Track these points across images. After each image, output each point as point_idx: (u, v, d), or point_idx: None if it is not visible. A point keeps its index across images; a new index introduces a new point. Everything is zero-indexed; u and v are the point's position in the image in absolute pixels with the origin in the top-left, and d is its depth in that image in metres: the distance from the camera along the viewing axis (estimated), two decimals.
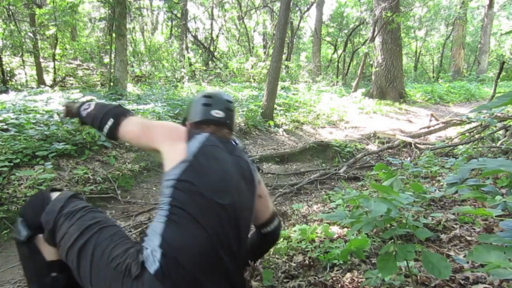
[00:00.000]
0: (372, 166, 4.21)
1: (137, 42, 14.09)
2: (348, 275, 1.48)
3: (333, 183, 3.78)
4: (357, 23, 15.47)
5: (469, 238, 1.68)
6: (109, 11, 7.69)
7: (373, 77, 10.87)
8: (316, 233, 1.93)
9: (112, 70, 7.36)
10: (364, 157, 4.67)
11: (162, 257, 1.01)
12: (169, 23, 15.80)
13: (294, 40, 16.18)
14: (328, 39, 17.51)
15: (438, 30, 20.00)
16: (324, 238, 1.88)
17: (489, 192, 1.29)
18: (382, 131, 6.29)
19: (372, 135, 6.17)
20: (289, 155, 4.91)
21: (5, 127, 3.56)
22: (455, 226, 1.85)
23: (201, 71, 13.19)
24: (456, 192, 1.48)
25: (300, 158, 4.95)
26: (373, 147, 5.52)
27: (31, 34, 9.44)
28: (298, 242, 1.86)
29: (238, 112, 6.15)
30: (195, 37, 15.63)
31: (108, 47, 8.55)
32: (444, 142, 4.75)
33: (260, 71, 12.03)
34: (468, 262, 1.41)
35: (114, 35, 7.17)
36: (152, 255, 1.02)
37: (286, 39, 8.37)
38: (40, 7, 9.33)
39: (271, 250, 1.80)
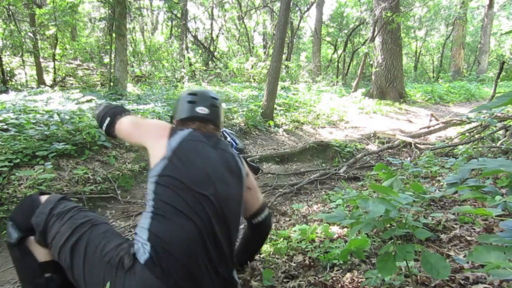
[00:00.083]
0: (372, 166, 4.20)
1: (137, 42, 14.09)
2: (348, 275, 1.48)
3: (333, 183, 3.78)
4: (357, 23, 15.47)
5: (469, 238, 1.68)
6: (109, 11, 7.69)
7: (373, 77, 10.87)
8: (316, 233, 1.93)
9: (112, 70, 7.36)
10: (364, 157, 4.67)
11: (152, 249, 1.06)
12: (169, 23, 15.80)
13: (294, 40, 16.18)
14: (328, 39, 17.51)
15: (438, 30, 20.00)
16: (324, 238, 1.88)
17: (489, 192, 1.29)
18: (382, 131, 6.29)
19: (372, 135, 6.17)
20: (289, 155, 4.91)
21: (5, 127, 3.56)
22: (455, 226, 1.84)
23: (201, 71, 13.19)
24: (456, 192, 1.48)
25: (300, 158, 4.95)
26: (373, 147, 5.52)
27: (31, 34, 9.44)
28: (298, 242, 1.86)
29: (238, 112, 6.15)
30: (195, 37, 15.63)
31: (108, 47, 8.55)
32: (444, 142, 4.75)
33: (260, 71, 12.04)
34: (468, 262, 1.41)
35: (114, 35, 7.17)
36: (143, 247, 1.07)
37: (286, 39, 8.37)
38: (40, 7, 9.34)
39: (271, 250, 1.81)
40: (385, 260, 1.05)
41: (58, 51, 10.35)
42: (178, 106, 1.42)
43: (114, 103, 5.60)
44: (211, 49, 15.31)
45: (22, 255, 1.22)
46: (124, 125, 1.38)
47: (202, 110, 1.37)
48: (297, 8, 14.97)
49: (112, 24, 7.10)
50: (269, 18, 16.14)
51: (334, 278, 1.47)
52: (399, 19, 9.44)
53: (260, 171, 3.33)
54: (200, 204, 1.13)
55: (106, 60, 10.04)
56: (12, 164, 2.99)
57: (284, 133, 6.20)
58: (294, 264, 1.65)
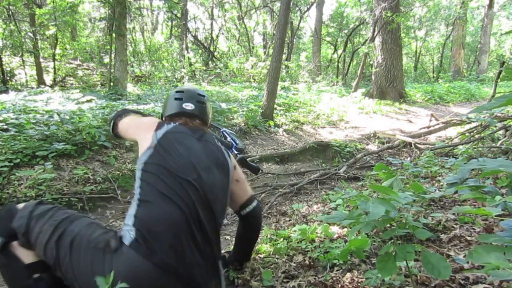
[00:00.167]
0: (372, 166, 4.20)
1: (137, 42, 14.10)
2: (348, 275, 1.48)
3: (333, 183, 3.78)
4: (357, 23, 15.47)
5: (469, 238, 1.67)
6: (109, 11, 7.70)
7: (373, 77, 10.87)
8: (316, 233, 1.93)
9: (112, 70, 7.36)
10: (364, 157, 4.67)
11: (137, 232, 1.11)
12: (169, 23, 15.81)
13: (294, 40, 16.19)
14: (328, 39, 17.52)
15: (438, 30, 20.00)
16: (324, 238, 1.88)
17: (489, 192, 1.29)
18: (382, 131, 6.29)
19: (372, 135, 6.17)
20: (289, 155, 4.91)
21: (5, 127, 3.57)
22: (455, 226, 1.84)
23: (201, 71, 13.20)
24: (456, 192, 1.48)
25: (300, 158, 4.95)
26: (373, 147, 5.52)
27: (31, 34, 9.44)
28: (298, 242, 1.86)
29: (238, 112, 6.15)
30: (195, 37, 15.63)
31: (108, 47, 8.55)
32: (444, 142, 4.75)
33: (260, 71, 12.04)
34: (468, 262, 1.41)
35: (114, 35, 7.18)
36: (129, 232, 1.12)
37: (286, 39, 8.37)
38: (40, 7, 9.34)
39: (271, 250, 1.81)
40: (385, 260, 1.05)
41: (58, 51, 10.35)
42: (167, 104, 1.51)
43: (114, 103, 5.62)
44: (211, 49, 15.31)
45: (8, 260, 1.21)
46: (123, 124, 1.52)
47: (188, 106, 1.45)
48: (297, 8, 14.97)
49: (112, 24, 7.11)
50: (269, 18, 16.14)
51: (334, 278, 1.47)
52: (399, 19, 9.44)
53: (260, 171, 3.33)
54: (184, 189, 1.19)
55: (106, 60, 10.04)
56: (12, 164, 2.99)
57: (284, 133, 6.20)
58: (294, 264, 1.65)
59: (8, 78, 9.09)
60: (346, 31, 15.90)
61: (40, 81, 9.42)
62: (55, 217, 1.19)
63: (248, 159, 2.10)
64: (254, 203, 1.50)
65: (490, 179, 2.19)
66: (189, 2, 14.96)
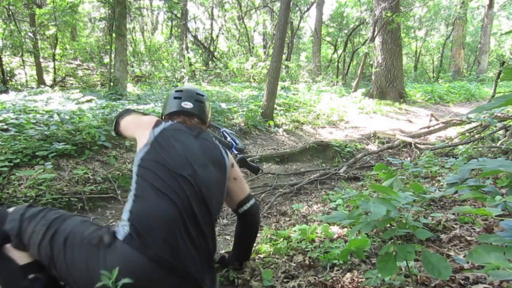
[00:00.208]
0: (372, 166, 4.20)
1: (137, 42, 14.10)
2: (348, 275, 1.48)
3: (333, 183, 3.77)
4: (357, 23, 15.47)
5: (469, 238, 1.67)
6: (109, 11, 7.70)
7: (373, 77, 10.87)
8: (316, 233, 1.93)
9: (112, 70, 7.36)
10: (364, 157, 4.67)
11: (131, 227, 1.13)
12: (169, 23, 15.80)
13: (294, 40, 16.18)
14: (328, 39, 17.52)
15: (438, 30, 19.99)
16: (324, 238, 1.88)
17: (489, 192, 1.29)
18: (382, 131, 6.29)
19: (372, 135, 6.17)
20: (289, 155, 4.91)
21: (5, 127, 3.56)
22: (455, 226, 1.84)
23: (201, 71, 13.20)
24: (456, 192, 1.48)
25: (300, 158, 4.95)
26: (373, 147, 5.52)
27: (31, 34, 9.44)
28: (298, 242, 1.86)
29: (238, 112, 6.15)
30: (195, 37, 15.63)
31: (108, 47, 8.55)
32: (444, 142, 4.75)
33: (260, 71, 12.04)
34: (468, 262, 1.41)
35: (114, 35, 7.17)
36: (123, 228, 1.15)
37: (286, 39, 8.36)
38: (40, 7, 9.34)
39: (271, 250, 1.81)
40: (386, 260, 1.05)
41: (58, 51, 10.35)
42: (166, 103, 1.55)
43: (114, 103, 5.62)
44: (211, 49, 15.31)
45: (2, 262, 1.21)
46: (124, 122, 1.56)
47: (186, 104, 1.48)
48: (297, 8, 14.97)
49: (112, 24, 7.11)
50: (269, 18, 16.14)
51: (334, 278, 1.47)
52: (399, 19, 9.44)
53: (260, 171, 3.33)
54: (179, 184, 1.22)
55: (106, 60, 10.04)
56: (12, 164, 2.99)
57: (284, 133, 6.20)
58: (294, 264, 1.65)
59: (8, 78, 9.09)
60: (346, 31, 15.90)
61: (40, 81, 9.42)
62: (47, 217, 1.20)
63: (248, 159, 2.10)
64: (252, 202, 1.51)
65: (490, 179, 2.19)
66: (189, 2, 14.96)
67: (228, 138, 1.89)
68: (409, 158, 4.48)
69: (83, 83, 10.26)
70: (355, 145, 5.38)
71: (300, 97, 8.86)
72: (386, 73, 10.31)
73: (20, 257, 1.20)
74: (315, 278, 1.50)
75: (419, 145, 4.80)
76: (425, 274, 1.36)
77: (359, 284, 1.40)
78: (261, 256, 1.78)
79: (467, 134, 4.71)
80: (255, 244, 1.91)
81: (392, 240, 1.15)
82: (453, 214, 1.95)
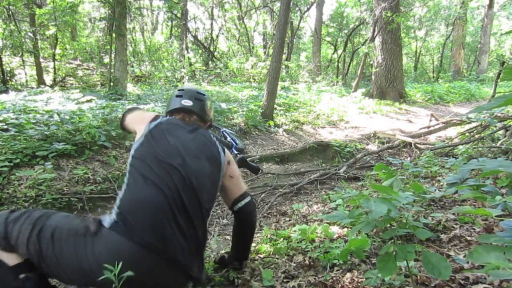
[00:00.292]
0: (372, 166, 4.20)
1: (137, 42, 14.10)
2: (348, 275, 1.48)
3: (333, 183, 3.77)
4: (357, 23, 15.46)
5: (469, 238, 1.67)
6: (109, 11, 7.70)
7: (373, 77, 10.87)
8: (316, 233, 1.93)
9: (112, 70, 7.36)
10: (364, 157, 4.67)
11: (118, 215, 1.18)
12: (169, 23, 15.80)
13: (294, 40, 16.18)
14: (328, 39, 17.51)
15: (438, 30, 19.99)
16: (324, 238, 1.88)
17: (489, 192, 1.29)
18: (382, 131, 6.29)
19: (372, 135, 6.17)
20: (289, 155, 4.91)
21: (5, 127, 3.56)
22: (455, 226, 1.84)
23: (201, 71, 13.20)
24: (456, 192, 1.48)
25: (300, 158, 4.95)
26: (373, 147, 5.52)
27: (31, 34, 9.44)
28: (298, 242, 1.86)
29: (238, 112, 6.16)
30: (195, 37, 15.63)
31: (108, 47, 8.55)
32: (444, 142, 4.75)
33: (260, 71, 12.04)
34: (468, 262, 1.41)
35: (114, 35, 7.17)
36: (110, 216, 1.19)
37: (286, 39, 8.36)
38: (40, 7, 9.33)
39: (271, 250, 1.81)
40: (386, 260, 1.05)
41: (58, 51, 10.35)
42: (169, 101, 1.62)
43: (114, 103, 5.62)
44: (211, 49, 15.31)
45: None
46: (129, 117, 1.63)
47: (186, 102, 1.54)
48: (297, 8, 14.97)
49: (112, 24, 7.11)
50: (269, 18, 16.14)
51: (334, 278, 1.47)
52: (399, 19, 9.44)
53: (260, 171, 3.33)
54: (167, 172, 1.26)
55: (106, 60, 10.04)
56: (12, 164, 2.99)
57: (284, 133, 6.20)
58: (294, 264, 1.65)
59: (8, 78, 9.09)
60: (346, 31, 15.90)
61: (40, 81, 9.42)
62: (31, 217, 1.23)
63: (248, 159, 2.11)
64: (247, 199, 1.53)
65: (490, 179, 2.19)
66: (189, 2, 14.96)
67: (228, 138, 1.90)
68: (409, 158, 4.48)
69: (83, 83, 10.26)
70: (355, 145, 5.38)
71: (300, 97, 8.86)
72: (386, 73, 10.31)
73: (10, 259, 1.21)
74: (315, 278, 1.50)
75: (419, 145, 4.80)
76: (425, 274, 1.36)
77: (359, 284, 1.40)
78: (261, 256, 1.78)
79: (467, 134, 4.71)
80: (254, 244, 1.92)
81: (392, 240, 1.15)
82: (453, 214, 1.95)
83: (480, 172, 2.12)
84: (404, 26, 14.40)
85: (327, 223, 2.06)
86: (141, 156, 1.31)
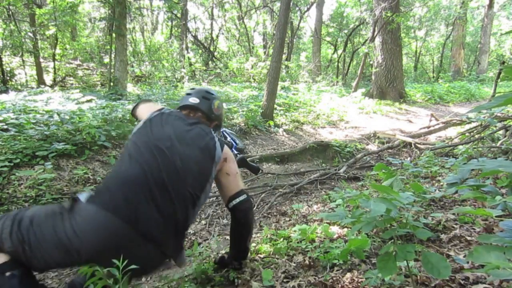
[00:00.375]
0: (372, 166, 4.20)
1: (137, 42, 14.10)
2: (348, 275, 1.48)
3: (333, 183, 3.77)
4: (357, 23, 15.46)
5: (469, 238, 1.67)
6: (109, 11, 7.70)
7: (373, 77, 10.87)
8: (316, 233, 1.93)
9: (112, 70, 7.36)
10: (364, 157, 4.66)
11: (95, 188, 1.29)
12: (169, 23, 15.80)
13: (294, 40, 16.18)
14: (328, 39, 17.51)
15: (438, 30, 19.99)
16: (324, 238, 1.88)
17: (489, 192, 1.29)
18: (382, 131, 6.29)
19: (372, 135, 6.17)
20: (289, 155, 4.91)
21: (5, 127, 3.56)
22: (455, 226, 1.84)
23: (201, 71, 13.19)
24: (456, 192, 1.48)
25: (300, 158, 4.95)
26: (373, 147, 5.52)
27: (31, 34, 9.44)
28: (298, 242, 1.86)
29: (238, 112, 6.15)
30: (195, 37, 15.63)
31: (108, 47, 8.55)
32: (444, 142, 4.75)
33: (260, 71, 12.04)
34: (468, 262, 1.41)
35: (114, 35, 7.18)
36: (88, 192, 1.27)
37: (286, 39, 8.36)
38: (40, 7, 9.33)
39: (271, 250, 1.81)
40: (386, 260, 1.05)
41: (58, 51, 10.35)
42: (181, 99, 1.72)
43: (114, 103, 5.62)
44: (211, 49, 15.31)
45: None
46: (142, 107, 1.74)
47: (194, 100, 1.64)
48: (297, 8, 14.97)
49: (112, 24, 7.10)
50: (269, 18, 16.14)
51: (334, 278, 1.47)
52: (399, 19, 9.44)
53: (260, 171, 3.33)
54: (151, 152, 1.34)
55: (106, 60, 10.04)
56: (12, 164, 2.99)
57: (284, 133, 6.20)
58: (294, 264, 1.65)
59: (8, 78, 9.09)
60: (346, 31, 15.89)
61: (40, 81, 9.42)
62: (9, 215, 1.27)
63: (248, 159, 2.11)
64: (242, 197, 1.54)
65: (490, 179, 2.19)
66: (189, 2, 14.96)
67: (228, 138, 1.91)
68: (409, 158, 4.48)
69: (83, 83, 10.26)
70: (355, 145, 5.38)
71: (300, 97, 8.86)
72: (386, 73, 10.31)
73: None
74: (315, 278, 1.50)
75: (419, 145, 4.80)
76: (425, 274, 1.36)
77: (359, 284, 1.40)
78: (261, 256, 1.78)
79: (467, 134, 4.71)
80: (254, 244, 1.92)
81: (392, 240, 1.15)
82: (453, 214, 1.95)
83: (480, 172, 2.12)
84: (404, 26, 14.40)
85: (327, 223, 2.06)
86: (134, 138, 1.42)
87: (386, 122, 7.82)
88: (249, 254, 1.71)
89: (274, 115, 6.50)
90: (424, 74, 20.21)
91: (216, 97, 1.71)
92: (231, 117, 5.91)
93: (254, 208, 3.04)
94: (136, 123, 1.65)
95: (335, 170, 4.11)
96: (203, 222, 2.86)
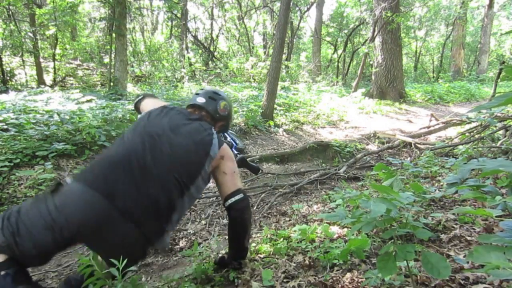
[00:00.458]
0: (372, 166, 4.20)
1: (137, 42, 14.09)
2: (348, 275, 1.48)
3: (333, 183, 3.77)
4: (357, 23, 15.46)
5: (469, 238, 1.67)
6: (109, 11, 7.70)
7: (373, 77, 10.87)
8: (316, 233, 1.93)
9: (112, 70, 7.36)
10: (364, 157, 4.66)
11: (81, 169, 1.35)
12: (169, 23, 15.80)
13: (294, 40, 16.18)
14: (328, 39, 17.51)
15: (438, 30, 19.99)
16: (324, 238, 1.88)
17: (489, 192, 1.29)
18: (382, 131, 6.29)
19: (372, 135, 6.16)
20: (289, 155, 4.90)
21: (5, 127, 3.56)
22: (455, 226, 1.84)
23: (201, 71, 13.19)
24: (456, 192, 1.48)
25: (300, 158, 4.95)
26: (373, 147, 5.52)
27: (31, 34, 9.44)
28: (298, 242, 1.86)
29: (238, 112, 6.15)
30: (195, 37, 15.63)
31: (108, 47, 8.55)
32: (444, 142, 4.75)
33: (260, 71, 12.03)
34: (468, 262, 1.41)
35: (114, 35, 7.17)
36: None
37: (286, 39, 8.36)
38: (40, 7, 9.33)
39: (271, 250, 1.81)
40: (386, 260, 1.05)
41: (58, 51, 10.35)
42: (190, 99, 1.78)
43: (114, 103, 5.62)
44: (211, 49, 15.30)
45: None
46: (145, 101, 1.79)
47: (200, 99, 1.71)
48: (297, 8, 14.96)
49: (112, 24, 7.10)
50: (269, 18, 16.13)
51: (334, 278, 1.47)
52: (399, 19, 9.44)
53: (260, 171, 3.33)
54: (142, 138, 1.41)
55: (106, 60, 10.04)
56: (12, 164, 2.99)
57: (284, 133, 6.20)
58: (294, 264, 1.65)
59: (8, 78, 9.09)
60: (346, 31, 15.89)
61: (40, 81, 9.41)
62: (0, 215, 1.30)
63: (248, 159, 2.10)
64: (238, 196, 1.55)
65: (490, 179, 2.19)
66: (189, 2, 14.96)
67: (228, 138, 1.92)
68: (409, 158, 4.48)
69: (83, 83, 10.26)
70: (355, 145, 5.38)
71: (300, 97, 8.86)
72: (386, 73, 10.31)
73: None
74: (315, 278, 1.50)
75: (419, 145, 4.80)
76: (425, 274, 1.36)
77: (359, 284, 1.40)
78: (261, 256, 1.78)
79: (467, 134, 4.71)
80: (254, 244, 1.92)
81: (392, 240, 1.15)
82: (453, 214, 1.95)
83: (480, 172, 2.12)
84: (404, 26, 14.40)
85: (327, 223, 2.06)
86: (132, 127, 1.49)
87: (386, 122, 7.82)
88: (249, 254, 1.71)
89: (274, 115, 6.50)
90: (424, 74, 20.21)
91: (224, 98, 1.75)
92: None
93: (254, 208, 3.04)
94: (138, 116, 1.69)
95: (335, 170, 4.11)
96: (203, 222, 2.86)
